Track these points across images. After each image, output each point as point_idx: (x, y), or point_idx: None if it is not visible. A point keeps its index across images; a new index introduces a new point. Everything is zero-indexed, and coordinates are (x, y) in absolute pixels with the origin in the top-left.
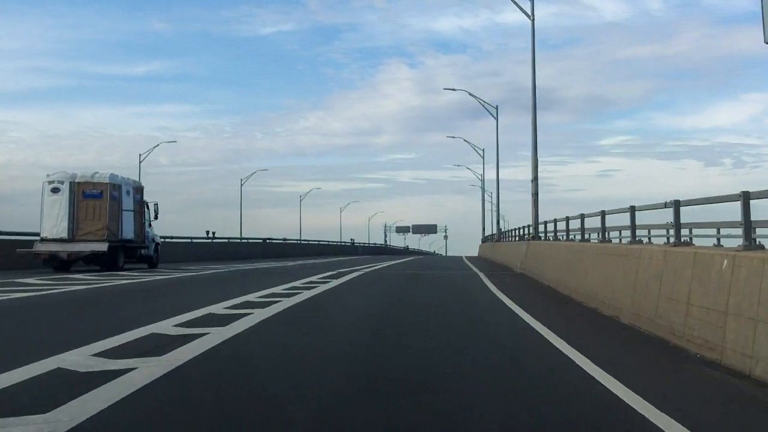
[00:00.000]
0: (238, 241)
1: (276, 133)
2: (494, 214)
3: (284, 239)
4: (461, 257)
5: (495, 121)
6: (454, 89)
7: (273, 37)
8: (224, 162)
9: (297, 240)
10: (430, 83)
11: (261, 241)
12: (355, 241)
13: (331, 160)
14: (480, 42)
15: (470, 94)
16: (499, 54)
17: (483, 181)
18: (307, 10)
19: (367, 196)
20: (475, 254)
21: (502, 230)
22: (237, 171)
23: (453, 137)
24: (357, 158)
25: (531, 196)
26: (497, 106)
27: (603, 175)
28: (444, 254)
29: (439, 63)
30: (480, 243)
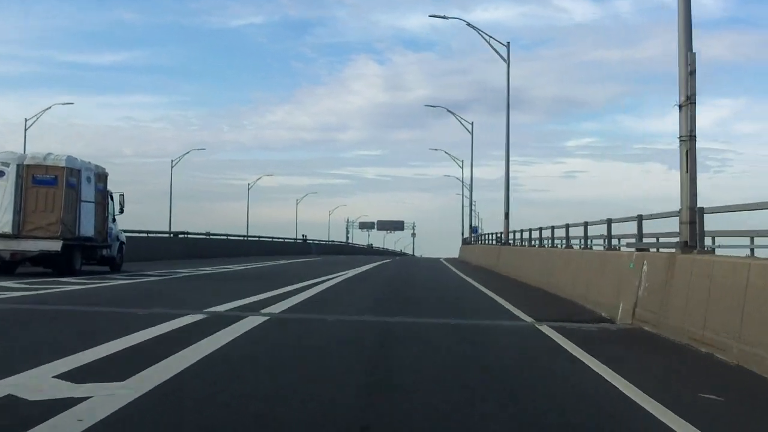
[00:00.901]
0: (205, 237)
1: (243, 126)
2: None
3: (227, 236)
4: (439, 259)
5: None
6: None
7: (243, 30)
8: (190, 154)
9: (243, 236)
10: (397, 80)
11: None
12: (309, 238)
13: (297, 154)
14: (449, 40)
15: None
16: (467, 52)
17: (468, 181)
18: (277, 3)
19: (332, 191)
20: (452, 256)
21: (480, 231)
22: (203, 163)
23: (435, 150)
24: (323, 153)
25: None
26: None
27: (568, 177)
28: (413, 254)
29: (407, 60)
30: (461, 245)
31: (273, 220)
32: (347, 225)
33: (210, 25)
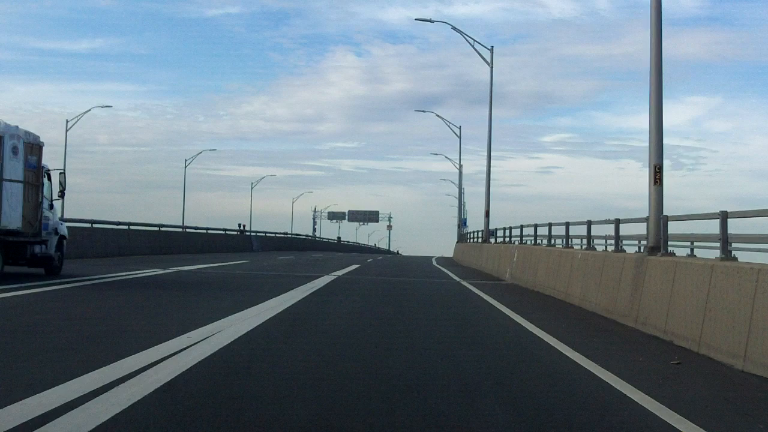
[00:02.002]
0: (180, 230)
1: (219, 116)
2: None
3: (159, 226)
4: (430, 258)
5: (438, 114)
6: (431, 20)
7: (220, 19)
8: (165, 143)
9: (181, 228)
10: (376, 73)
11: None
12: (256, 231)
13: (274, 145)
14: (427, 33)
15: (453, 27)
16: (446, 46)
17: (446, 176)
18: None
19: (308, 183)
20: (435, 253)
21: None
22: (178, 153)
23: (424, 111)
24: (299, 145)
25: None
26: (492, 47)
27: (544, 172)
28: (391, 250)
29: (386, 53)
30: (457, 242)
31: (246, 210)
32: (314, 215)
33: (187, 14)
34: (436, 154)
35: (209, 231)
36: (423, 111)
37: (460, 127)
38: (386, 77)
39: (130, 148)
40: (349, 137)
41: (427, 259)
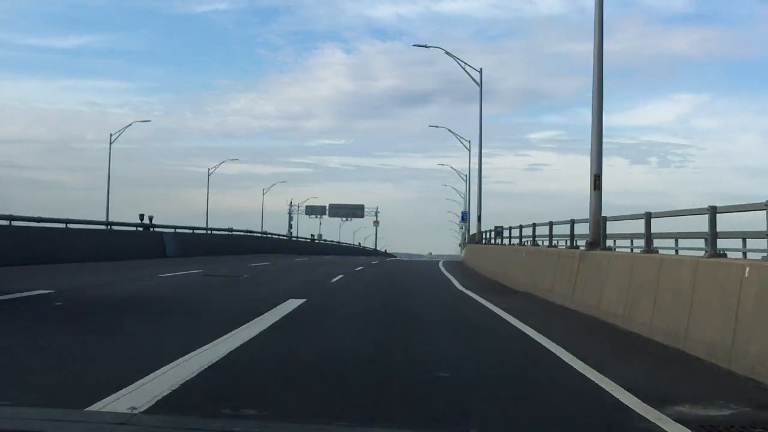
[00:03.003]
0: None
1: (207, 113)
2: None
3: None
4: (433, 261)
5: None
6: (426, 46)
7: (208, 16)
8: (153, 140)
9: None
10: (364, 69)
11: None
12: (177, 226)
13: (262, 142)
14: (416, 29)
15: (447, 52)
16: (435, 42)
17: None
18: None
19: (295, 181)
20: (439, 254)
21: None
22: (165, 150)
23: (436, 126)
24: (287, 142)
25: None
26: (481, 69)
27: (532, 169)
28: (383, 252)
29: (375, 49)
30: (467, 243)
31: (233, 208)
32: (289, 210)
33: (175, 10)
34: (442, 164)
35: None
36: (436, 126)
37: (470, 141)
38: (375, 74)
39: (116, 145)
40: (337, 134)
41: (430, 266)
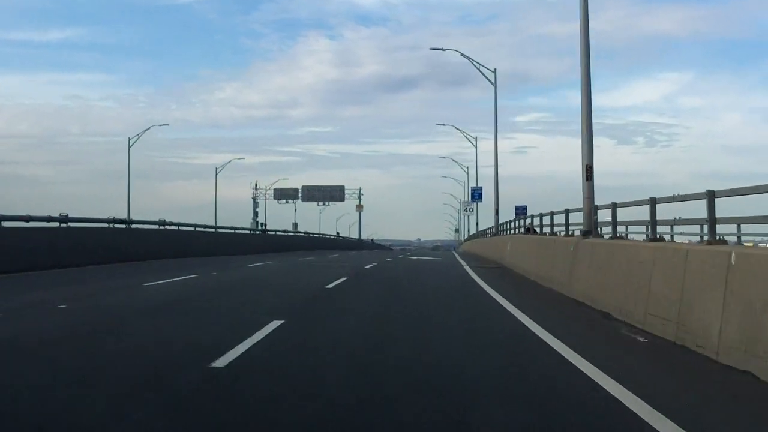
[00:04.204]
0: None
1: (191, 104)
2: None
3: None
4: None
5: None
6: (443, 49)
7: (191, 6)
8: (137, 132)
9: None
10: (349, 56)
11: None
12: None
13: (247, 132)
14: (400, 15)
15: (462, 54)
16: (419, 27)
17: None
18: None
19: (282, 169)
20: (429, 239)
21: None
22: (150, 142)
23: (443, 125)
24: (273, 131)
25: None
26: (495, 69)
27: (519, 152)
28: (363, 239)
29: (359, 35)
30: (490, 236)
31: (221, 199)
32: (254, 195)
33: (157, 2)
34: (444, 158)
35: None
36: (443, 125)
37: (476, 138)
38: (359, 60)
39: (102, 138)
40: (322, 122)
41: (453, 267)
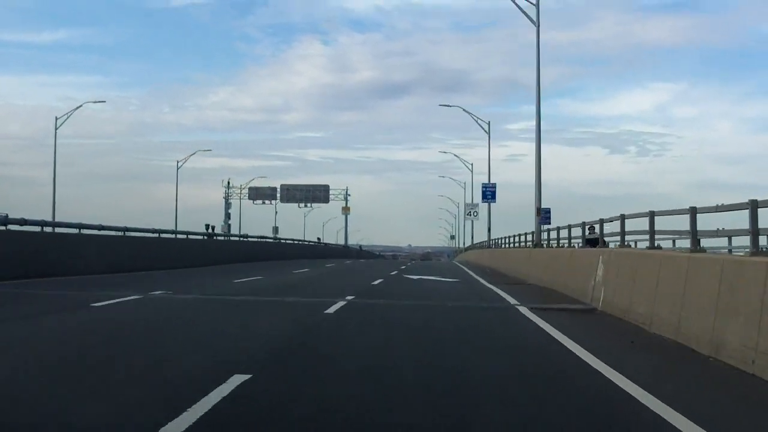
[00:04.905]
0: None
1: (184, 107)
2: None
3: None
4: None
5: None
6: (449, 106)
7: (185, 9)
8: (129, 135)
9: None
10: (343, 61)
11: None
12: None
13: (240, 136)
14: (394, 21)
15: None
16: (413, 33)
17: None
18: None
19: (273, 174)
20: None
21: None
22: (143, 144)
23: (449, 106)
24: (265, 135)
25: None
26: (489, 122)
27: (512, 160)
28: (350, 245)
29: (353, 41)
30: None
31: (212, 203)
32: (226, 195)
33: (151, 4)
34: (443, 177)
35: None
36: (448, 106)
37: (489, 123)
38: (353, 66)
39: (93, 141)
40: (315, 127)
41: (498, 310)
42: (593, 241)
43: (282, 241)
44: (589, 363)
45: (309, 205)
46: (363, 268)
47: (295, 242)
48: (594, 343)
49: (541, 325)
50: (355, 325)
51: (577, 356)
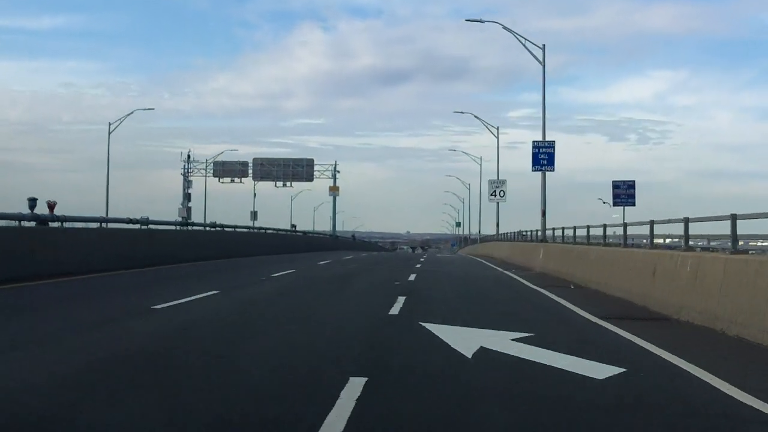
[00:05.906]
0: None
1: (184, 93)
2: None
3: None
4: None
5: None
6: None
7: None
8: (129, 121)
9: None
10: (343, 48)
11: None
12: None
13: (240, 122)
14: (395, 7)
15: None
16: (413, 20)
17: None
18: None
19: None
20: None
21: None
22: (143, 130)
23: (462, 112)
24: (265, 122)
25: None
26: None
27: (511, 147)
28: (337, 234)
29: (354, 28)
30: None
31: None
32: (185, 172)
33: None
34: (454, 150)
35: None
36: (461, 112)
37: (497, 128)
38: (353, 52)
39: (95, 126)
40: (315, 113)
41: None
42: None
43: (229, 229)
44: None
45: (289, 184)
46: (341, 273)
47: (261, 231)
48: None
49: None
50: None
51: None
